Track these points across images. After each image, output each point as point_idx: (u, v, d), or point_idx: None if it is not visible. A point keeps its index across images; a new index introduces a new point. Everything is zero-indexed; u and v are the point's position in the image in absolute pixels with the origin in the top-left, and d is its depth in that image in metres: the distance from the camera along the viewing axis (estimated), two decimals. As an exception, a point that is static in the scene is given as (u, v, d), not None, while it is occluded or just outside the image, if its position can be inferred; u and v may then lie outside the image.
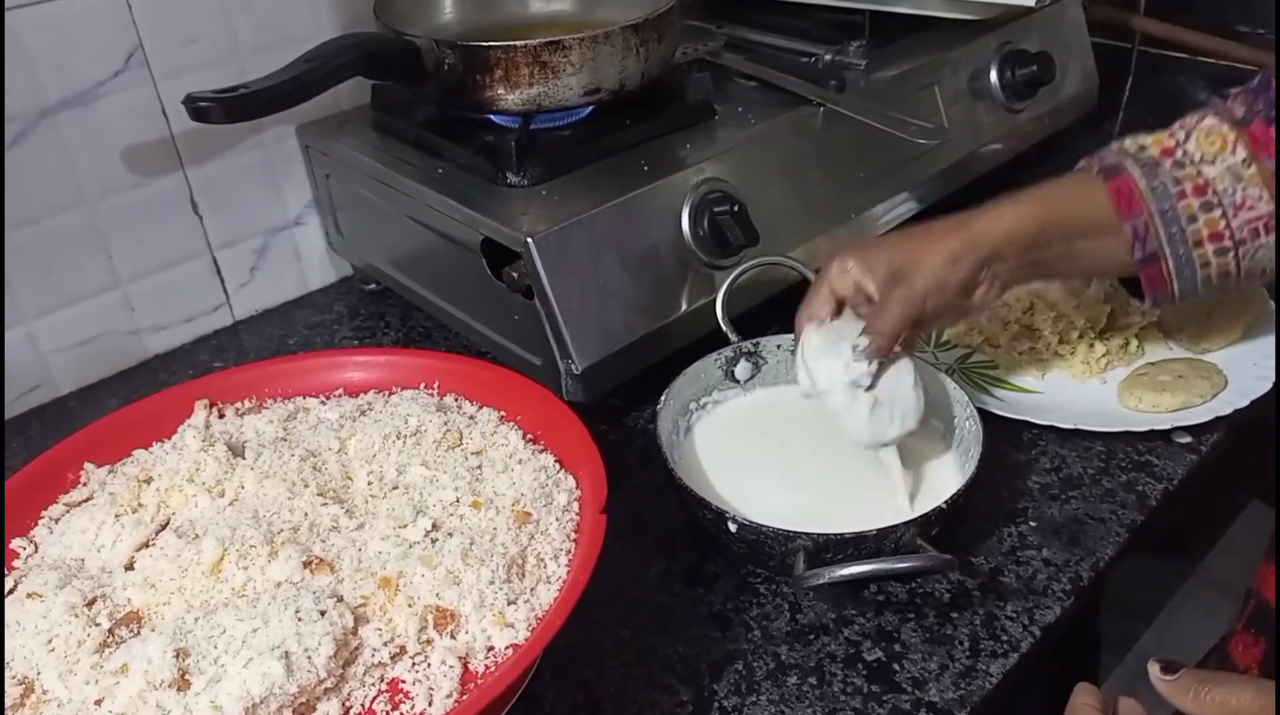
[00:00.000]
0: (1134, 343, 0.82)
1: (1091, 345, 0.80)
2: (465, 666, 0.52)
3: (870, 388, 0.64)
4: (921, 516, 0.60)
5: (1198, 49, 1.12)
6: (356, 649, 0.52)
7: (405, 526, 0.58)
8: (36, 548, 0.60)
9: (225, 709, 0.47)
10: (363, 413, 0.68)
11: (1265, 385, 0.75)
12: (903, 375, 0.66)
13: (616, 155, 0.81)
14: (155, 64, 0.83)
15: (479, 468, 0.63)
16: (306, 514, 0.59)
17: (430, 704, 0.50)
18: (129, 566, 0.57)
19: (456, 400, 0.69)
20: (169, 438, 0.66)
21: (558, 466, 0.63)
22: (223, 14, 0.85)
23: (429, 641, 0.52)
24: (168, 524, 0.60)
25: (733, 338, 0.75)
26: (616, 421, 0.79)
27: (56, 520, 0.61)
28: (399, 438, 0.64)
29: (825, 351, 0.65)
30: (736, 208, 0.77)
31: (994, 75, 1.00)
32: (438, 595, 0.53)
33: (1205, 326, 0.82)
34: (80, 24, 0.78)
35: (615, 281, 0.74)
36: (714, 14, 1.05)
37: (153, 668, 0.48)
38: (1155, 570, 1.12)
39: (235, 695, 0.47)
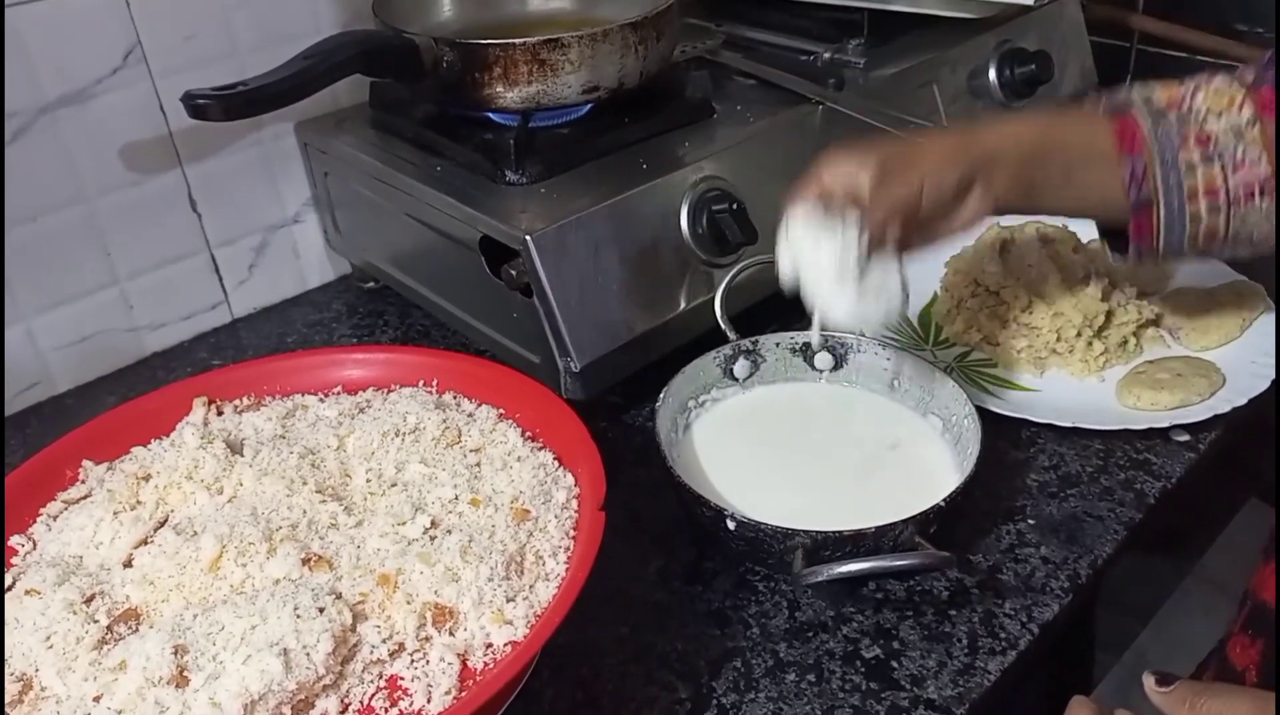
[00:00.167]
0: (1132, 341, 0.82)
1: (1090, 343, 0.80)
2: (464, 663, 0.52)
3: (860, 278, 0.62)
4: (920, 514, 0.60)
5: (1196, 48, 1.12)
6: (355, 646, 0.52)
7: (404, 524, 0.58)
8: (35, 545, 0.60)
9: (224, 706, 0.47)
10: (361, 410, 0.68)
11: (1263, 383, 0.75)
12: (890, 269, 0.63)
13: (615, 153, 0.81)
14: (154, 62, 0.83)
15: (478, 465, 0.63)
16: (305, 511, 0.59)
17: (429, 701, 0.50)
18: (127, 564, 0.57)
19: (455, 398, 0.69)
20: (167, 435, 0.66)
21: (556, 464, 0.63)
22: (221, 11, 0.85)
23: (428, 639, 0.52)
24: (166, 521, 0.60)
25: (731, 336, 0.75)
26: (615, 419, 0.79)
27: (55, 517, 0.61)
28: (398, 435, 0.64)
29: (814, 234, 0.62)
30: (735, 206, 0.77)
31: (992, 74, 1.00)
32: (436, 592, 0.53)
33: (1204, 324, 0.82)
34: (79, 21, 0.78)
35: (614, 279, 0.74)
36: (713, 12, 1.05)
37: (151, 664, 0.48)
38: (1153, 569, 1.12)
39: (234, 692, 0.47)
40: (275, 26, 0.88)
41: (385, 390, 0.70)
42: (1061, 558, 0.66)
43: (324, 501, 0.59)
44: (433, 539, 0.57)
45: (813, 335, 0.74)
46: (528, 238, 0.70)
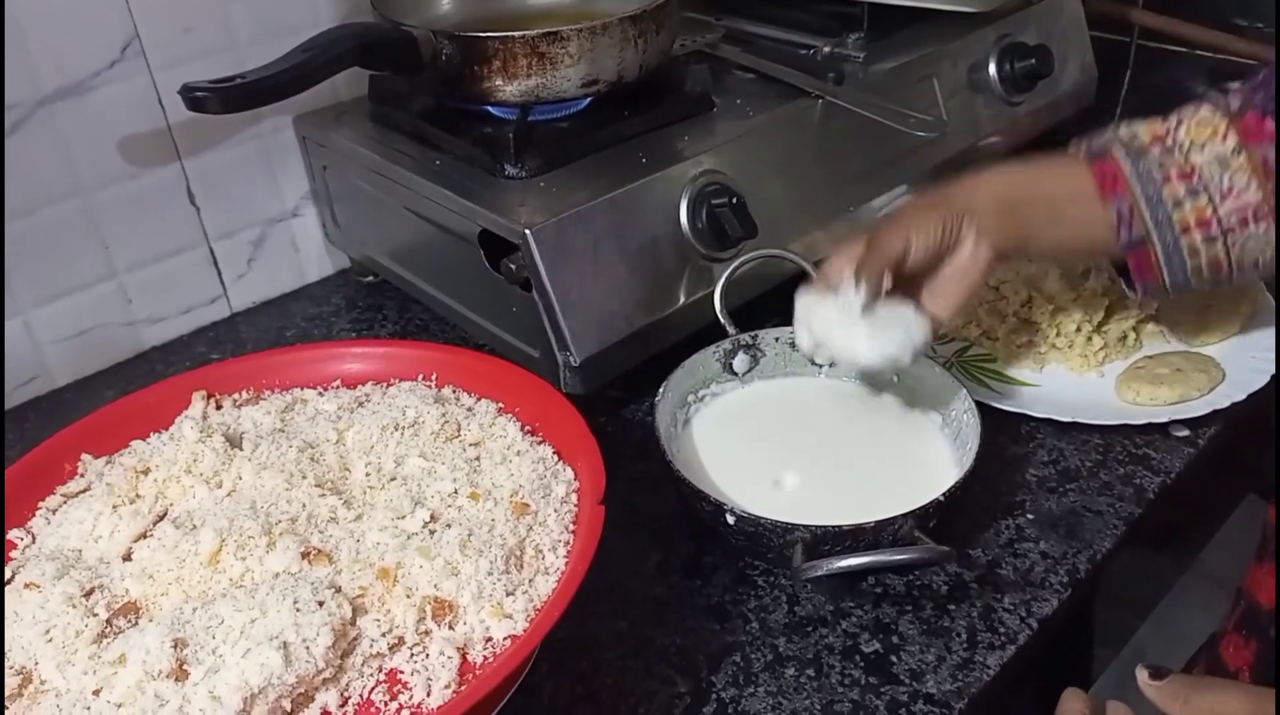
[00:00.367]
0: (1132, 336, 0.82)
1: (1089, 338, 0.80)
2: (463, 657, 0.52)
3: (866, 316, 0.65)
4: (919, 509, 0.60)
5: (1196, 42, 1.12)
6: (355, 639, 0.52)
7: (403, 517, 0.58)
8: (34, 538, 0.60)
9: (223, 699, 0.47)
10: (360, 404, 0.68)
11: (1262, 378, 0.75)
12: (899, 309, 0.66)
13: (614, 147, 0.81)
14: (152, 54, 0.82)
15: (477, 459, 0.63)
16: (304, 505, 0.59)
17: (429, 694, 0.50)
18: (126, 557, 0.57)
19: (454, 392, 0.69)
20: (166, 429, 0.65)
21: (556, 458, 0.63)
22: (219, 4, 0.85)
23: (427, 632, 0.52)
24: (165, 515, 0.60)
25: (731, 330, 0.75)
26: (614, 413, 0.79)
27: (54, 511, 0.61)
28: (397, 429, 0.64)
29: (820, 300, 0.67)
30: (735, 200, 0.77)
31: (993, 68, 1.00)
32: (436, 586, 0.53)
33: (1203, 320, 0.82)
34: (77, 13, 0.78)
35: (613, 273, 0.74)
36: (712, 6, 1.05)
37: (150, 658, 0.48)
38: (1151, 563, 1.12)
39: (233, 685, 0.47)
40: (274, 19, 0.88)
41: (384, 384, 0.70)
42: (1061, 552, 0.66)
43: (323, 495, 0.59)
44: (432, 533, 0.57)
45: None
46: (527, 231, 0.70)
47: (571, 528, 0.58)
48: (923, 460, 0.69)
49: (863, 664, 0.59)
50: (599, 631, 0.62)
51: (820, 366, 0.77)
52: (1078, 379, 0.80)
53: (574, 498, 0.60)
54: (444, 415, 0.65)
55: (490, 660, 0.52)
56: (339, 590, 0.53)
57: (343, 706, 0.50)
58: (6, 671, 0.50)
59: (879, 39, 0.97)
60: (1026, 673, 0.61)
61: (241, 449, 0.63)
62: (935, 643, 0.60)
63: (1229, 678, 0.66)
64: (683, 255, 0.78)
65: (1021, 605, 0.62)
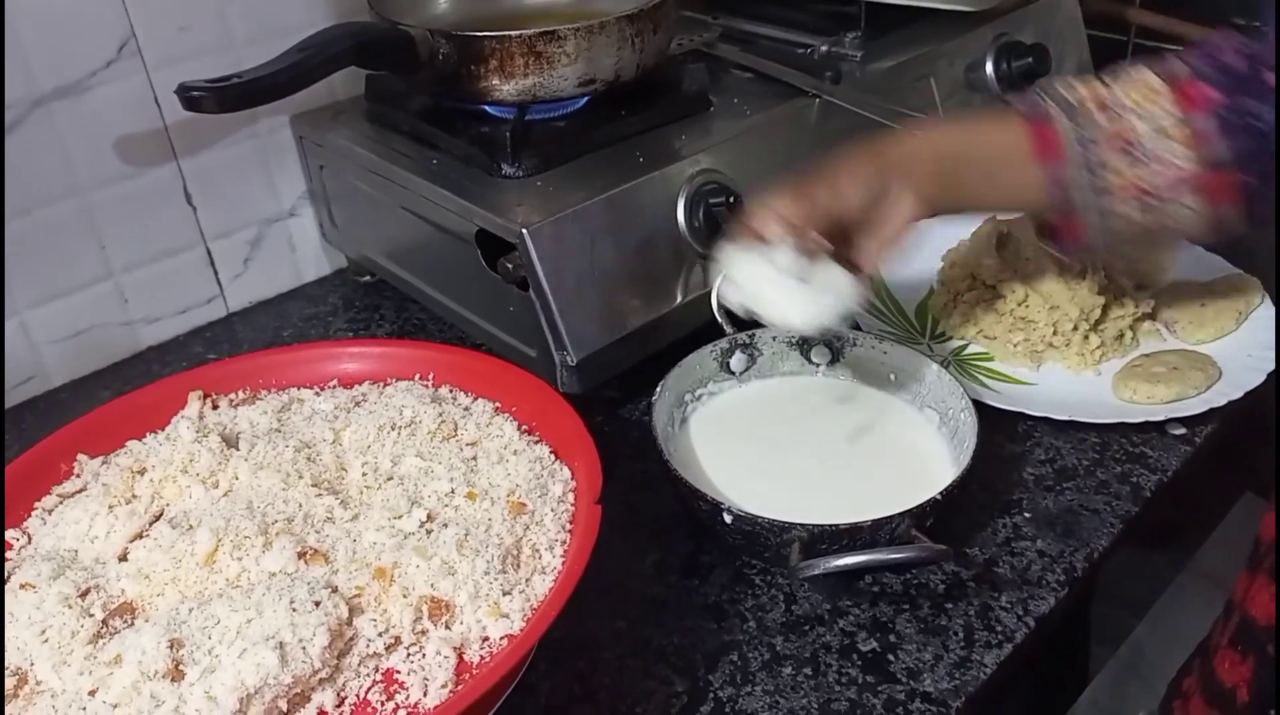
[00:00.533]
0: (1128, 334, 0.82)
1: (1086, 337, 0.80)
2: (460, 657, 0.52)
3: (800, 281, 0.63)
4: (916, 507, 0.60)
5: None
6: (351, 639, 0.52)
7: (400, 517, 0.58)
8: (30, 539, 0.60)
9: (219, 700, 0.47)
10: (357, 404, 0.68)
11: (1259, 376, 0.75)
12: (832, 269, 0.64)
13: (612, 146, 0.81)
14: (148, 54, 0.82)
15: (474, 459, 0.63)
16: (301, 505, 0.59)
17: (425, 694, 0.50)
18: (122, 557, 0.57)
19: (451, 391, 0.69)
20: (162, 429, 0.65)
21: (553, 457, 0.63)
22: (216, 3, 0.85)
23: (424, 632, 0.52)
24: (161, 515, 0.60)
25: (728, 330, 0.75)
26: (612, 413, 0.79)
27: (50, 511, 0.61)
28: (394, 429, 0.64)
29: (749, 257, 0.64)
30: (732, 199, 0.77)
31: (990, 67, 1.00)
32: (433, 586, 0.53)
33: (1200, 318, 0.82)
34: (73, 13, 0.78)
35: (610, 273, 0.74)
36: (710, 5, 1.05)
37: (146, 658, 0.48)
38: (1148, 562, 1.12)
39: (229, 686, 0.47)
40: (270, 18, 0.88)
41: (381, 384, 0.70)
42: (1057, 551, 0.66)
43: (320, 495, 0.59)
44: (429, 532, 0.57)
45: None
46: (524, 231, 0.70)
47: (568, 527, 0.58)
48: (920, 459, 0.69)
49: (860, 663, 0.59)
50: (596, 631, 0.62)
51: (816, 365, 0.77)
52: (1075, 377, 0.80)
53: (571, 497, 0.60)
54: (441, 415, 0.65)
55: (487, 660, 0.52)
56: (335, 590, 0.53)
57: (339, 706, 0.50)
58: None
59: (876, 38, 0.97)
60: (1023, 671, 0.61)
61: (238, 449, 0.63)
62: (932, 641, 0.60)
63: (1224, 694, 0.64)
64: (680, 254, 0.77)
65: (1018, 604, 0.62)
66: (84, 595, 0.53)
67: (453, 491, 0.60)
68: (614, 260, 0.74)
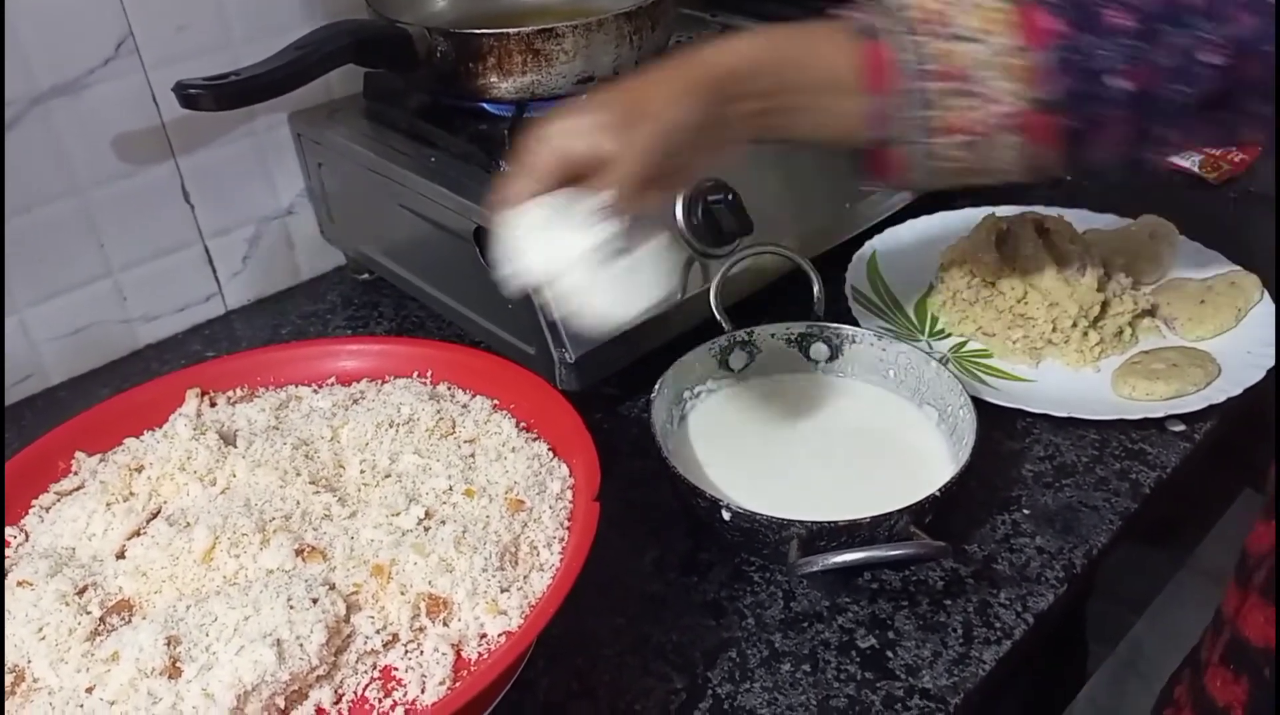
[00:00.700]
0: (1128, 331, 0.82)
1: (1085, 333, 0.80)
2: (458, 654, 0.52)
3: (620, 253, 0.53)
4: (915, 504, 0.60)
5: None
6: (349, 637, 0.52)
7: (398, 514, 0.58)
8: (27, 536, 0.60)
9: (217, 696, 0.47)
10: (355, 401, 0.68)
11: (1258, 373, 0.75)
12: (654, 235, 0.55)
13: (610, 143, 0.81)
14: (146, 52, 0.82)
15: (472, 456, 0.63)
16: (299, 502, 0.59)
17: (423, 691, 0.50)
18: (120, 555, 0.57)
19: (449, 389, 0.69)
20: (160, 426, 0.65)
21: (551, 455, 0.63)
22: (213, 1, 0.85)
23: (422, 629, 0.52)
24: (159, 512, 0.60)
25: (727, 327, 0.75)
26: (610, 410, 0.79)
27: (47, 509, 0.61)
28: (392, 426, 0.64)
29: (551, 224, 0.53)
30: (730, 196, 0.77)
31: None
32: (430, 583, 0.53)
33: (1199, 314, 0.82)
34: (70, 11, 0.78)
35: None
36: (708, 1, 1.05)
37: (144, 655, 0.48)
38: (1147, 559, 1.12)
39: (227, 683, 0.47)
40: (268, 16, 0.88)
41: (379, 381, 0.70)
42: (1056, 548, 0.66)
43: (317, 492, 0.59)
44: (427, 530, 0.57)
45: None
46: (522, 228, 0.70)
47: (566, 524, 0.58)
48: (919, 456, 0.69)
49: (859, 659, 0.59)
50: (595, 628, 0.62)
51: (815, 362, 0.77)
52: (1074, 374, 0.80)
53: (569, 494, 0.60)
54: (439, 412, 0.65)
55: (485, 657, 0.52)
56: (333, 587, 0.53)
57: (337, 704, 0.50)
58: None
59: (875, 35, 0.97)
60: (1022, 668, 0.61)
61: (236, 446, 0.63)
62: (931, 638, 0.60)
63: (1217, 712, 0.62)
64: (679, 252, 0.77)
65: (1017, 600, 0.62)
66: (81, 593, 0.53)
67: (451, 489, 0.60)
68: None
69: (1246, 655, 0.59)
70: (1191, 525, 1.11)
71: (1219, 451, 0.77)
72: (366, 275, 0.99)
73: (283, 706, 0.49)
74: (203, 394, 0.68)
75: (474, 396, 0.68)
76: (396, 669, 0.51)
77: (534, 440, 0.64)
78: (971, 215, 0.91)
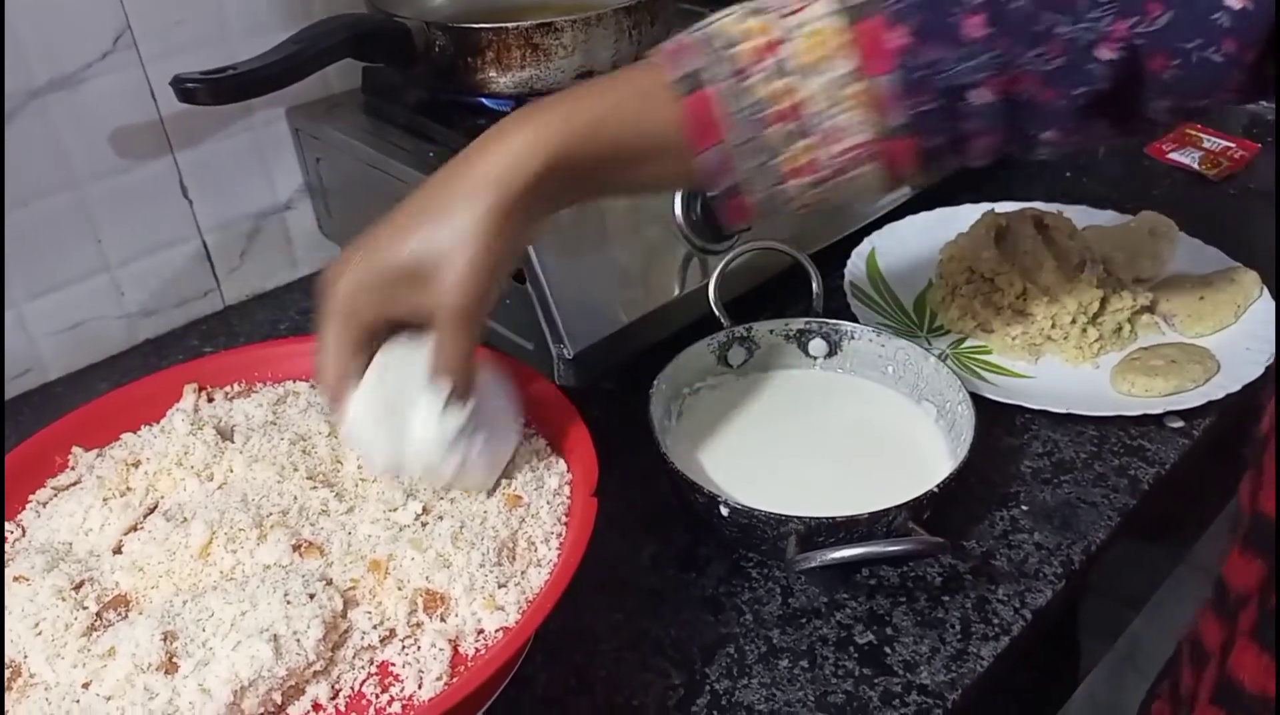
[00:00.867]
0: (1127, 327, 0.82)
1: (1084, 330, 0.80)
2: (455, 649, 0.52)
3: (474, 429, 0.55)
4: (914, 500, 0.60)
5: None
6: (346, 632, 0.52)
7: (395, 510, 0.57)
8: (24, 531, 0.59)
9: (213, 692, 0.47)
10: (353, 397, 0.68)
11: (1257, 370, 0.75)
12: (489, 388, 0.56)
13: (609, 139, 0.81)
14: (143, 46, 0.82)
15: (470, 451, 0.62)
16: (296, 497, 0.58)
17: (420, 686, 0.50)
18: (117, 550, 0.57)
19: (447, 384, 0.69)
20: (158, 422, 0.65)
21: (549, 450, 0.62)
22: (212, -5, 0.85)
23: (419, 624, 0.52)
24: (156, 507, 0.60)
25: (725, 323, 0.75)
26: (608, 406, 0.79)
27: (44, 504, 0.61)
28: (389, 421, 0.64)
29: (393, 414, 0.53)
30: (729, 191, 0.76)
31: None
32: (428, 578, 0.53)
33: (1198, 311, 0.82)
34: (68, 5, 0.77)
35: (607, 266, 0.74)
36: (707, -3, 1.05)
37: (140, 651, 0.48)
38: (1145, 555, 1.12)
39: (223, 678, 0.47)
40: (266, 10, 0.87)
41: (377, 377, 0.70)
42: (1055, 544, 0.66)
43: (315, 488, 0.59)
44: (424, 525, 0.57)
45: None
46: (520, 223, 0.70)
47: (564, 520, 0.58)
48: (917, 452, 0.69)
49: (856, 655, 0.59)
50: (593, 623, 0.62)
51: (814, 358, 0.77)
52: (1073, 370, 0.80)
53: (567, 490, 0.60)
54: (437, 407, 0.65)
55: (482, 652, 0.52)
56: (330, 583, 0.53)
57: (334, 699, 0.50)
58: (-4, 664, 0.50)
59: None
60: (1020, 664, 0.61)
61: (233, 441, 0.63)
62: (929, 634, 0.60)
63: None
64: (677, 247, 0.77)
65: (1015, 596, 0.62)
66: (78, 588, 0.53)
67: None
68: (611, 253, 0.74)
69: (1241, 701, 0.54)
70: (1190, 521, 1.11)
71: (1218, 448, 0.77)
72: (365, 270, 0.99)
73: (279, 702, 0.49)
74: (200, 389, 0.68)
75: (472, 392, 0.68)
76: (394, 664, 0.51)
77: (532, 436, 0.64)
78: (971, 212, 0.91)
